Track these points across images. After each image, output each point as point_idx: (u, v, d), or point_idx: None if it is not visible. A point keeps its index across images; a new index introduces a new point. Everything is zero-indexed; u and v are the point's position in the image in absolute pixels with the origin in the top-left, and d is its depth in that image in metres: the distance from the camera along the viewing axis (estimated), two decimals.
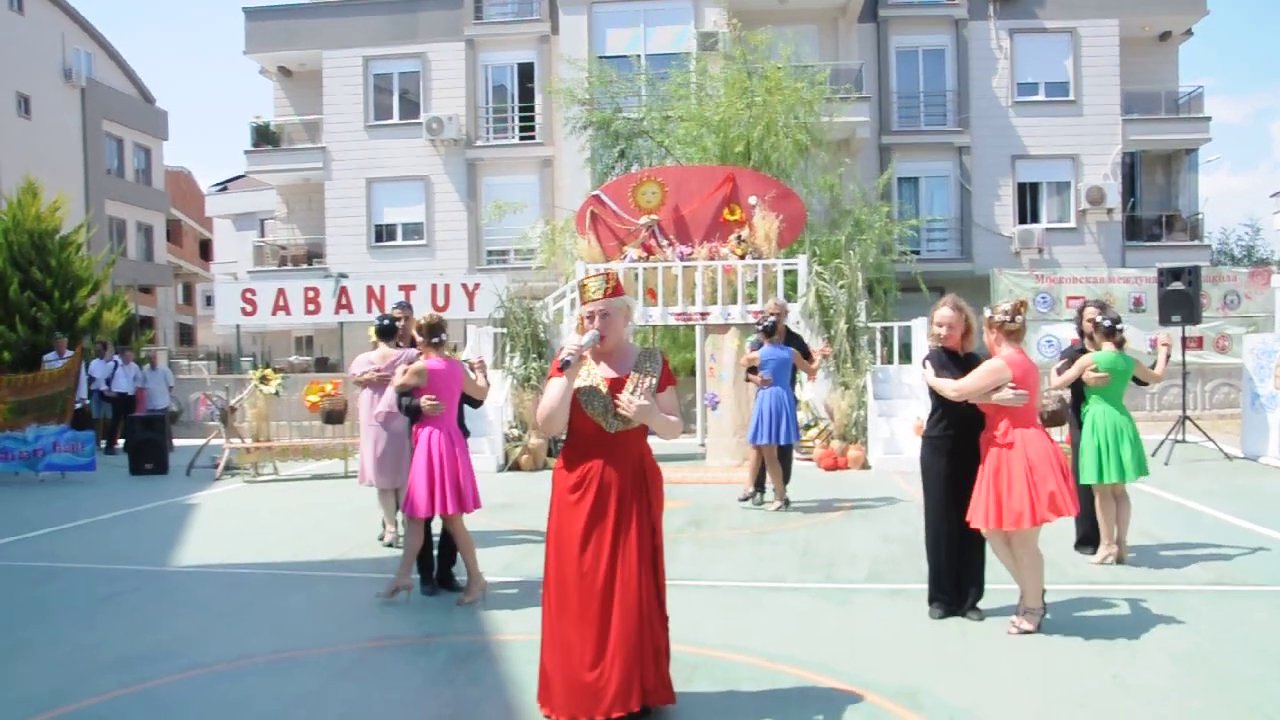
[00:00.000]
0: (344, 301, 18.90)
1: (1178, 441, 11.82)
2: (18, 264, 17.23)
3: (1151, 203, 24.84)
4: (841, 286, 12.71)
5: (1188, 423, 12.17)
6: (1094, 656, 4.50)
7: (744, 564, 6.63)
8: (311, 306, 19.06)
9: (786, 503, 8.72)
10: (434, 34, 24.01)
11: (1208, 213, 43.22)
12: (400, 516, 6.43)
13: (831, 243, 16.65)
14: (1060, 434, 7.42)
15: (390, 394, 6.51)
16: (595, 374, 3.68)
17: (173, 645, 4.89)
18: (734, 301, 12.90)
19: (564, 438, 3.81)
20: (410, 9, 24.22)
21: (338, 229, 24.29)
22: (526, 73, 24.01)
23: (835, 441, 11.84)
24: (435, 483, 5.48)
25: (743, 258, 13.07)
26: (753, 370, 8.79)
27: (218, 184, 38.46)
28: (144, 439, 12.45)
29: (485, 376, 6.11)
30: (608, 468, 3.64)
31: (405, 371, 5.62)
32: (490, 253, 23.99)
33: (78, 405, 13.55)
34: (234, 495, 10.50)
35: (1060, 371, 6.62)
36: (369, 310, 18.15)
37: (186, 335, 42.09)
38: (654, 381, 3.65)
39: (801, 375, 9.69)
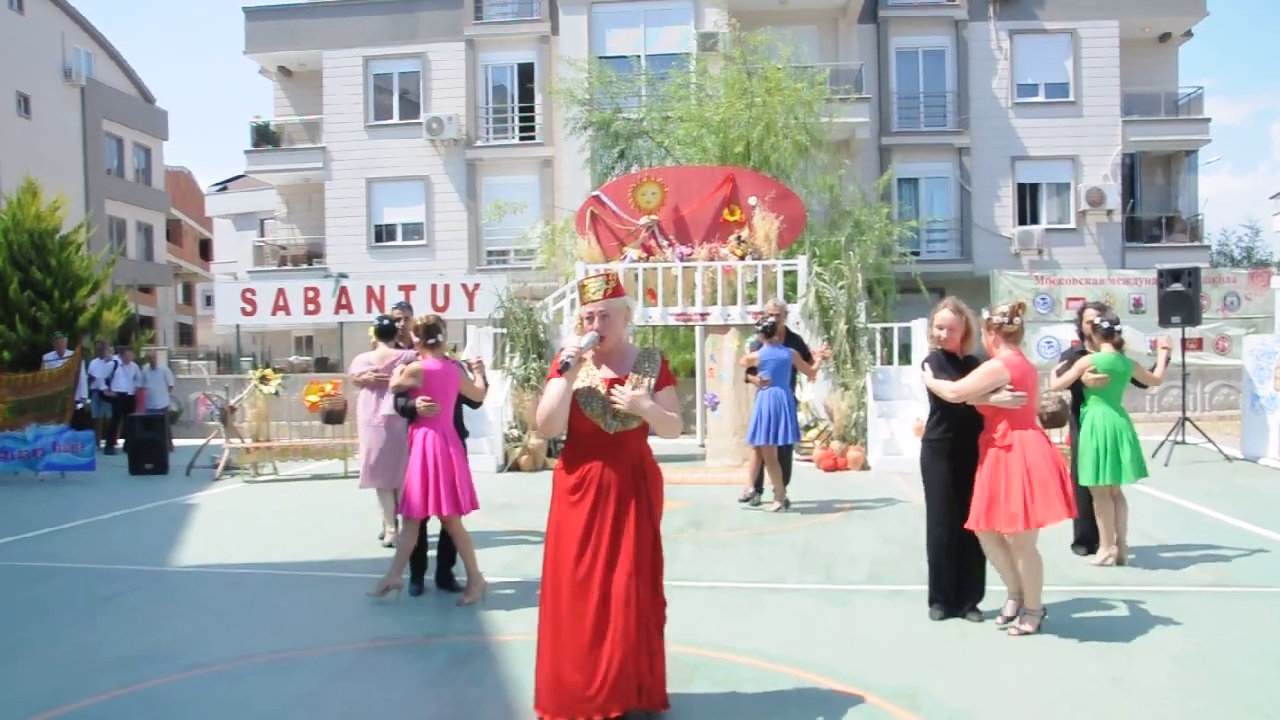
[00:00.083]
0: (344, 301, 18.89)
1: (1177, 443, 11.82)
2: (18, 263, 17.23)
3: (1151, 204, 24.85)
4: (841, 287, 12.72)
5: (1187, 424, 12.17)
6: (1093, 657, 4.50)
7: (744, 565, 6.63)
8: (311, 306, 19.05)
9: (786, 503, 8.72)
10: (434, 34, 24.02)
11: (1207, 214, 43.19)
12: (399, 517, 6.44)
13: (831, 243, 16.66)
14: (1060, 435, 7.43)
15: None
16: (594, 375, 3.68)
17: (173, 645, 4.89)
18: (734, 302, 12.90)
19: (564, 439, 3.82)
20: (410, 9, 24.23)
21: (338, 229, 24.29)
22: (526, 73, 24.01)
23: (835, 442, 11.84)
24: (430, 484, 5.49)
25: (742, 258, 13.07)
26: (752, 371, 8.80)
27: (218, 184, 38.45)
28: (144, 439, 12.45)
29: (484, 377, 6.11)
30: (607, 469, 3.64)
31: (402, 372, 5.64)
32: (490, 253, 23.99)
33: (78, 405, 13.55)
34: (234, 495, 10.50)
35: (1060, 373, 6.63)
36: (369, 310, 18.13)
37: (186, 335, 42.09)
38: (652, 381, 3.65)
39: (801, 376, 9.69)
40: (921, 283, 17.34)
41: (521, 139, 24.19)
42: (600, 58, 21.26)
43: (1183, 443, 11.94)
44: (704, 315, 13.03)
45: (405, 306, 7.43)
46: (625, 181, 14.61)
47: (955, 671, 4.34)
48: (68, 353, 14.23)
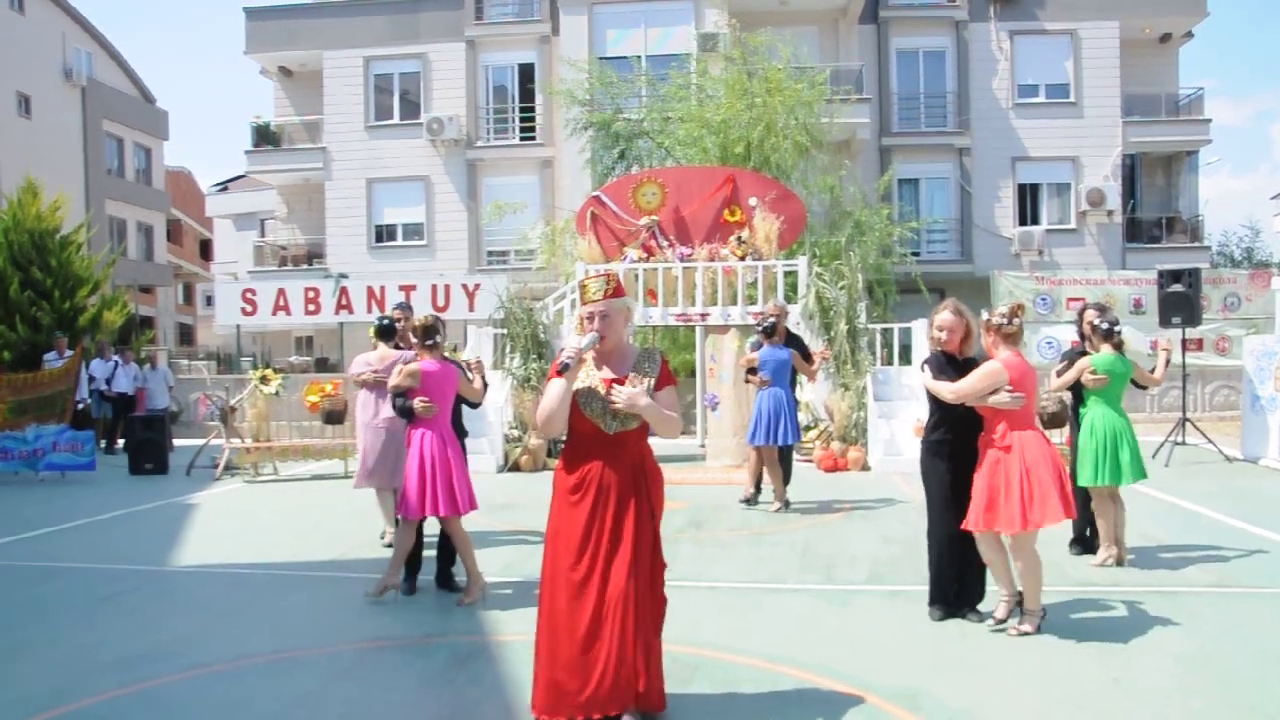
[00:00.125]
0: (344, 302, 18.89)
1: (1178, 443, 11.81)
2: (18, 263, 17.23)
3: (1151, 205, 24.85)
4: (842, 288, 12.72)
5: (1188, 425, 12.16)
6: (1093, 658, 4.50)
7: (744, 565, 6.63)
8: (311, 307, 19.05)
9: (786, 504, 8.71)
10: (435, 34, 24.02)
11: (1208, 215, 43.35)
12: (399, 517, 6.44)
13: (832, 244, 16.66)
14: (1060, 435, 7.43)
15: None
16: (594, 375, 3.68)
17: (173, 645, 4.89)
18: (734, 303, 12.90)
19: (564, 439, 3.82)
20: (411, 9, 24.24)
21: (338, 229, 24.29)
22: (527, 73, 24.01)
23: (835, 443, 11.84)
24: (427, 484, 5.50)
25: (743, 259, 13.07)
26: (752, 371, 8.80)
27: (218, 184, 38.47)
28: (144, 439, 12.45)
29: (484, 377, 6.12)
30: (607, 469, 3.64)
31: (399, 373, 5.65)
32: (490, 253, 23.99)
33: (78, 405, 13.54)
34: (234, 495, 10.50)
35: (1060, 373, 6.63)
36: (369, 311, 18.13)
37: (186, 335, 42.10)
38: (651, 381, 3.65)
39: (801, 376, 9.69)
40: (922, 283, 17.34)
41: (522, 139, 24.19)
42: (601, 58, 21.28)
43: (1183, 443, 11.94)
44: (704, 316, 13.03)
45: (405, 307, 7.43)
46: (626, 182, 14.61)
47: (955, 672, 4.34)
48: (68, 353, 14.23)
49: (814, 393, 12.21)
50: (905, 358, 13.14)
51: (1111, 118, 22.90)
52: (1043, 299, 17.17)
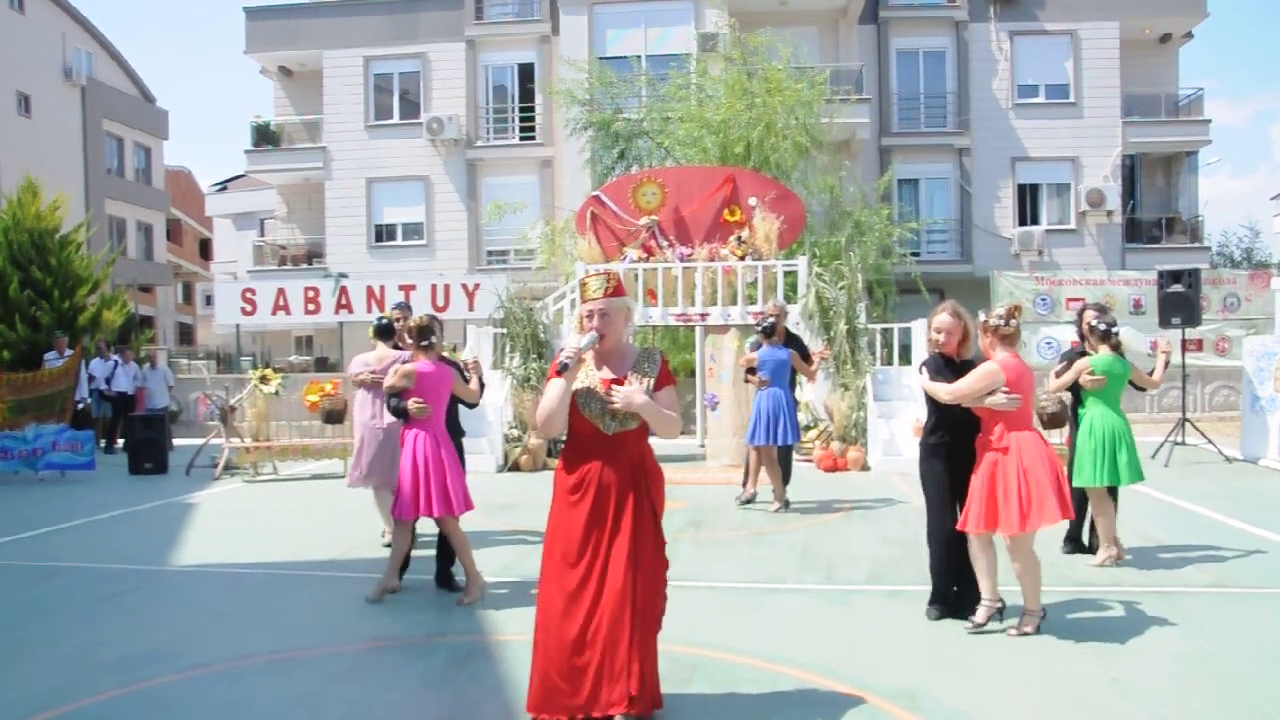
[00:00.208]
0: (344, 301, 18.91)
1: (1177, 444, 11.82)
2: (18, 263, 17.22)
3: (1151, 205, 24.85)
4: (841, 288, 12.72)
5: (1187, 425, 12.17)
6: (1093, 658, 4.50)
7: (743, 565, 6.63)
8: (311, 306, 19.07)
9: (786, 504, 8.72)
10: (434, 34, 24.02)
11: (1207, 215, 43.35)
12: None
13: (831, 244, 16.66)
14: (1060, 436, 7.44)
15: None
16: (594, 375, 3.68)
17: (173, 645, 4.89)
18: (734, 302, 12.90)
19: (564, 439, 3.82)
20: (411, 9, 24.23)
21: (338, 229, 24.29)
22: (527, 73, 24.01)
23: (835, 443, 11.84)
24: (420, 485, 5.51)
25: (743, 259, 13.07)
26: (751, 371, 8.80)
27: (218, 184, 38.47)
28: (143, 438, 12.44)
29: (480, 378, 6.12)
30: (606, 469, 3.64)
31: (394, 374, 5.65)
32: (490, 253, 23.99)
33: (78, 404, 13.55)
34: (234, 495, 10.50)
35: (1059, 374, 6.63)
36: (369, 310, 18.15)
37: (186, 335, 42.10)
38: (651, 381, 3.65)
39: (801, 376, 9.70)
40: (921, 283, 17.34)
41: (522, 139, 24.19)
42: (600, 58, 21.28)
43: (1183, 444, 11.94)
44: (704, 315, 13.03)
45: (405, 307, 7.43)
46: (625, 182, 14.61)
47: (955, 672, 4.35)
48: (68, 352, 14.23)
49: (814, 393, 12.21)
50: (905, 358, 13.14)
51: (1111, 118, 22.91)
52: (1042, 299, 17.17)
